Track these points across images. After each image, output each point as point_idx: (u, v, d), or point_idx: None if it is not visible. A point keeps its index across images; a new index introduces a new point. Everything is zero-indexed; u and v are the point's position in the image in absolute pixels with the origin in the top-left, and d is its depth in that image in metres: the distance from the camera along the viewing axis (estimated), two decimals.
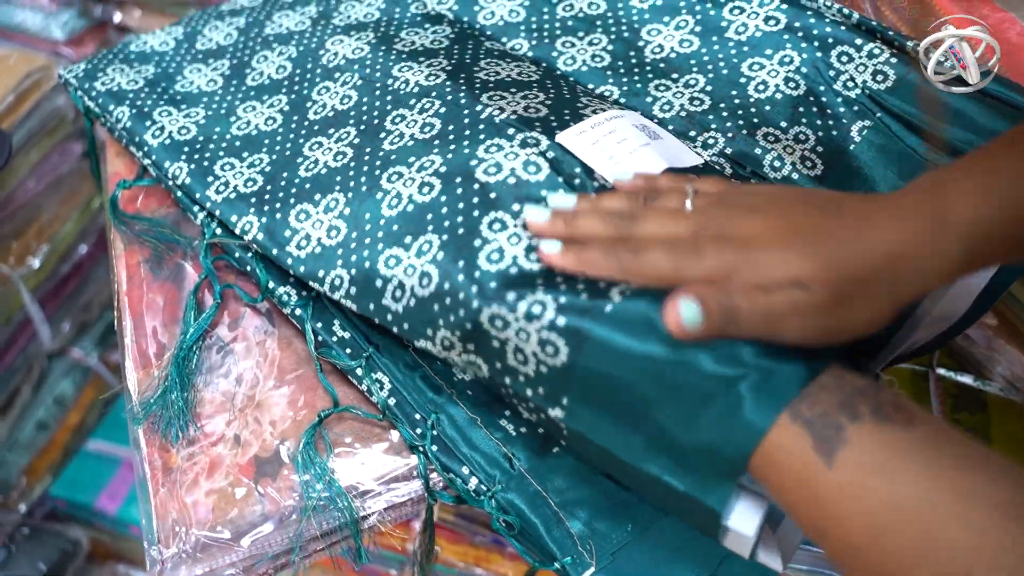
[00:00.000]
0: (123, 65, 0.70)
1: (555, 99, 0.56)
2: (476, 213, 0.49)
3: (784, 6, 0.61)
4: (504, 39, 0.66)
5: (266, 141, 0.62)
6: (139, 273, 0.62)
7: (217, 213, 0.59)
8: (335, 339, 0.55)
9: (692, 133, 0.58)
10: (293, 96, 0.64)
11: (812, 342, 0.39)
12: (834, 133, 0.56)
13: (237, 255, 0.59)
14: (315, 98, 0.63)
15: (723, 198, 0.44)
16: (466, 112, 0.55)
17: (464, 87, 0.57)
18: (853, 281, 0.38)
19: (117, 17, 1.01)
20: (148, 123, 0.64)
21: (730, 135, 0.57)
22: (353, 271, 0.52)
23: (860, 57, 0.58)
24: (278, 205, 0.57)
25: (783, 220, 0.41)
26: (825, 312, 0.39)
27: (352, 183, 0.56)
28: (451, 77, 0.58)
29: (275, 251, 0.55)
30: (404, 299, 0.49)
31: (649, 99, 0.60)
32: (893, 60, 0.57)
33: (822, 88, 0.58)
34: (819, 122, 0.57)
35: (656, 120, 0.59)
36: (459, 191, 0.50)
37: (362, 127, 0.59)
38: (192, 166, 0.61)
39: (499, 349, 0.45)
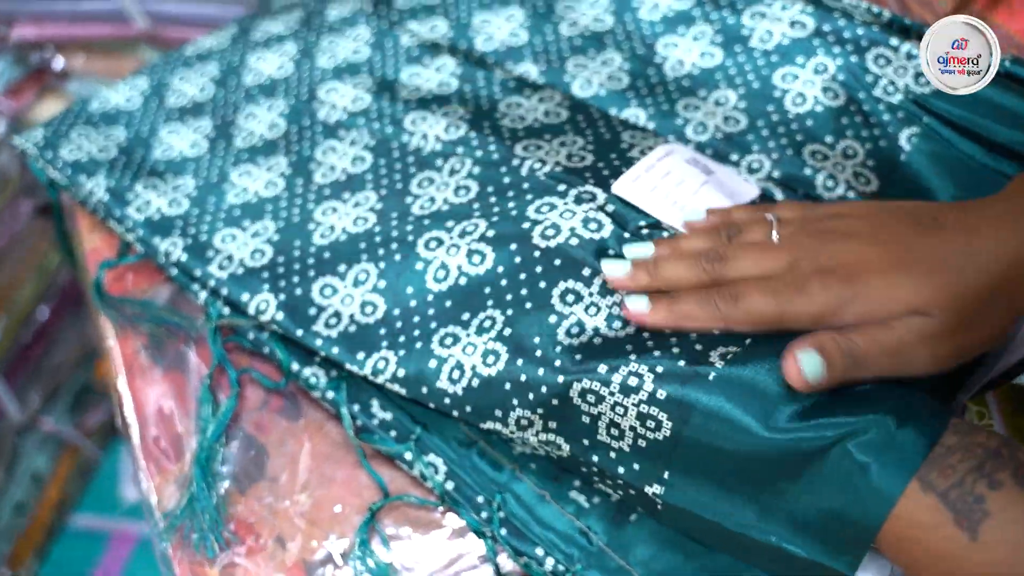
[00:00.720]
0: (87, 128, 0.64)
1: (595, 141, 0.51)
2: (543, 285, 0.44)
3: (809, 8, 0.57)
4: (510, 65, 0.61)
5: (269, 207, 0.56)
6: (139, 362, 0.56)
7: (224, 291, 0.53)
8: (376, 422, 0.50)
9: (734, 157, 0.54)
10: (294, 157, 0.59)
11: (944, 368, 0.37)
12: (882, 144, 0.53)
13: (252, 336, 0.53)
14: (320, 159, 0.58)
15: (809, 224, 0.41)
16: (503, 170, 0.50)
17: (492, 140, 0.52)
18: (974, 299, 0.36)
19: (59, 63, 0.93)
20: (129, 196, 0.58)
21: (775, 156, 0.53)
22: (401, 352, 0.47)
23: (898, 59, 0.54)
24: (295, 279, 0.52)
25: (883, 242, 0.38)
26: (951, 335, 0.37)
27: (382, 251, 0.50)
28: (474, 127, 0.54)
29: (299, 332, 0.50)
30: (465, 380, 0.45)
31: (680, 121, 0.56)
32: None
33: (862, 96, 0.54)
34: (864, 133, 0.53)
35: (692, 145, 0.55)
36: (517, 260, 0.46)
37: (383, 191, 0.54)
38: (188, 241, 0.55)
39: (589, 425, 0.41)
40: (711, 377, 0.38)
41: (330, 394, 0.50)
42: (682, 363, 0.39)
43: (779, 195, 0.51)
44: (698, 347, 0.39)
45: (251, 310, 0.52)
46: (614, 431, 0.40)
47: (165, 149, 0.62)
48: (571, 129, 0.53)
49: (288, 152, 0.59)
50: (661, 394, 0.38)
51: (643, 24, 0.62)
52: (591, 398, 0.40)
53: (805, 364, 0.36)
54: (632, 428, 0.39)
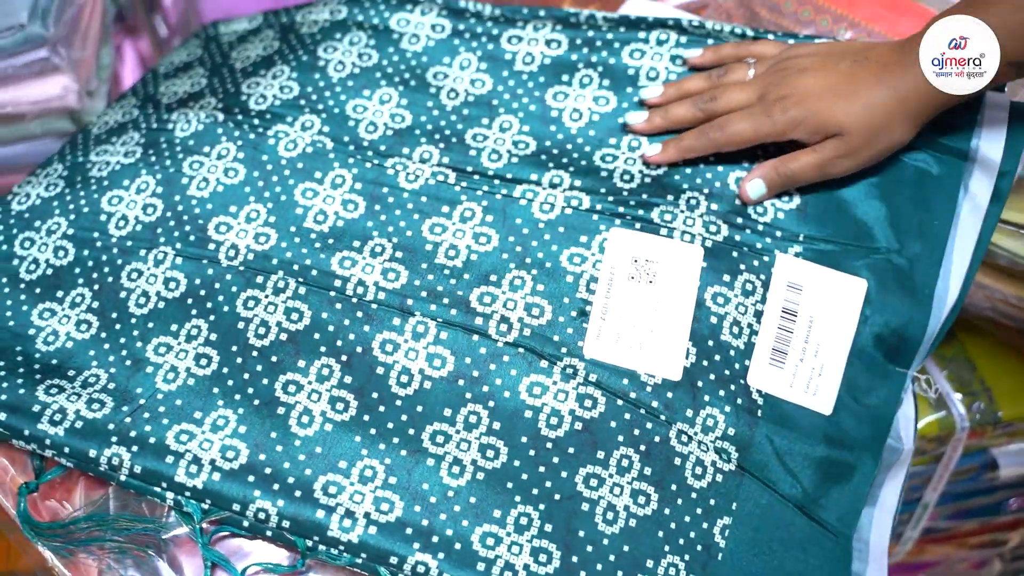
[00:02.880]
0: None
1: (540, 272, 0.53)
2: (565, 474, 0.47)
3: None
4: (406, 151, 0.58)
5: (215, 389, 0.50)
6: None
7: (205, 503, 0.47)
8: None
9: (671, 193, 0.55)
10: (213, 319, 0.52)
11: (855, 171, 0.53)
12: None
13: (247, 524, 0.47)
14: (244, 315, 0.52)
15: (776, 62, 0.55)
16: (476, 338, 0.51)
17: (442, 291, 0.52)
18: (881, 118, 0.50)
19: None
20: (35, 408, 0.49)
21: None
22: (441, 555, 0.46)
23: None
24: (290, 481, 0.47)
25: (826, 76, 0.51)
26: (860, 149, 0.51)
27: (383, 446, 0.48)
28: (417, 275, 0.53)
29: (315, 539, 0.46)
30: None
31: (604, 173, 0.56)
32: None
33: None
34: None
35: (622, 193, 0.55)
36: (531, 452, 0.48)
37: (343, 357, 0.51)
38: (135, 447, 0.48)
39: None
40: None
41: (360, 560, 0.47)
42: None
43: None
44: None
45: (249, 514, 0.47)
46: None
47: (47, 337, 0.53)
48: (512, 261, 0.53)
49: (205, 315, 0.53)
50: None
51: (524, 79, 0.61)
52: None
53: (750, 189, 0.54)
54: None
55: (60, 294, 0.55)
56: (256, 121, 0.60)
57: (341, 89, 0.62)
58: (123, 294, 0.54)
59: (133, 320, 0.53)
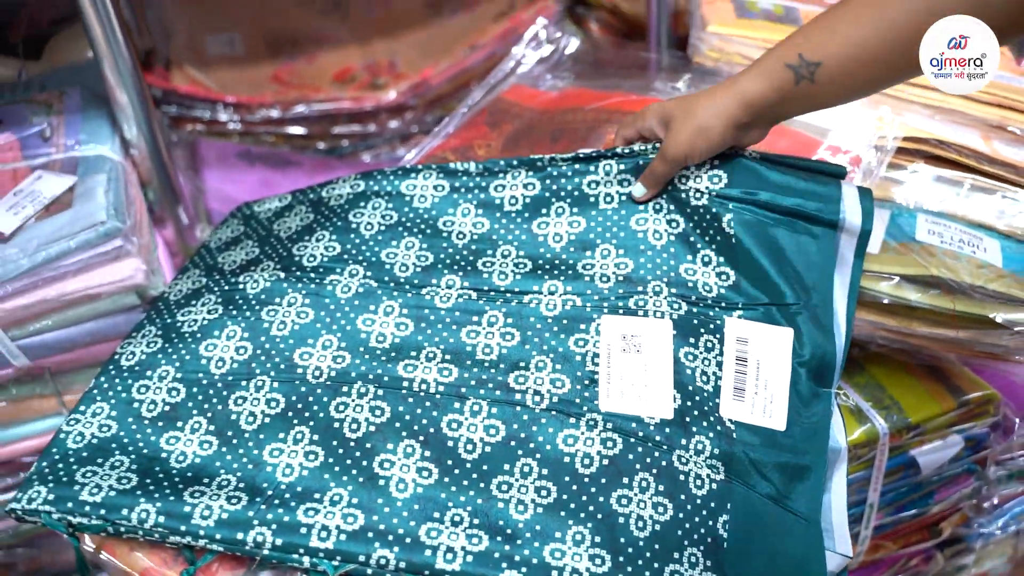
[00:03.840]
0: (88, 467, 0.66)
1: (555, 356, 0.71)
2: (602, 499, 0.65)
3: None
4: (435, 281, 0.76)
5: (326, 475, 0.66)
6: None
7: (336, 560, 0.62)
8: None
9: (638, 288, 0.73)
10: (312, 423, 0.69)
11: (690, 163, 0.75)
12: (719, 237, 0.75)
13: (371, 572, 0.62)
14: (338, 416, 0.69)
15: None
16: (518, 409, 0.69)
17: (486, 379, 0.70)
18: (707, 131, 0.71)
19: None
20: (186, 509, 0.63)
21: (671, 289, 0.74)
22: (524, 570, 0.61)
23: (693, 171, 0.77)
24: (400, 532, 0.63)
25: (684, 106, 0.73)
26: (693, 155, 0.73)
27: (463, 498, 0.65)
28: (465, 370, 0.71)
29: (426, 573, 0.62)
30: None
31: (587, 278, 0.74)
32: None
33: (688, 211, 0.76)
34: (707, 237, 0.75)
35: (600, 294, 0.73)
36: (574, 487, 0.65)
37: (421, 437, 0.68)
38: (274, 526, 0.62)
39: None
40: None
41: None
42: None
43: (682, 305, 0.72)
44: None
45: (372, 561, 0.62)
46: None
47: (179, 458, 0.67)
48: (541, 353, 0.72)
49: (304, 421, 0.68)
50: None
51: (512, 216, 0.79)
52: None
53: (635, 192, 0.76)
54: None
55: (180, 424, 0.70)
56: (312, 275, 0.77)
57: (374, 243, 0.79)
58: (234, 416, 0.69)
59: (246, 435, 0.68)
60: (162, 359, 0.73)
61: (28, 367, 0.84)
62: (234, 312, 0.75)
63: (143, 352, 0.74)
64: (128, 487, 0.65)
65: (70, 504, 0.64)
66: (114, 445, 0.68)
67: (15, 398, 0.87)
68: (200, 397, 0.71)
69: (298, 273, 0.77)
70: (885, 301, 0.80)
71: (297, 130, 1.28)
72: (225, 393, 0.71)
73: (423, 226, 0.81)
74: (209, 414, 0.70)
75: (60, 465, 0.67)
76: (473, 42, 1.33)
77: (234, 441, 0.68)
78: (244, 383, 0.71)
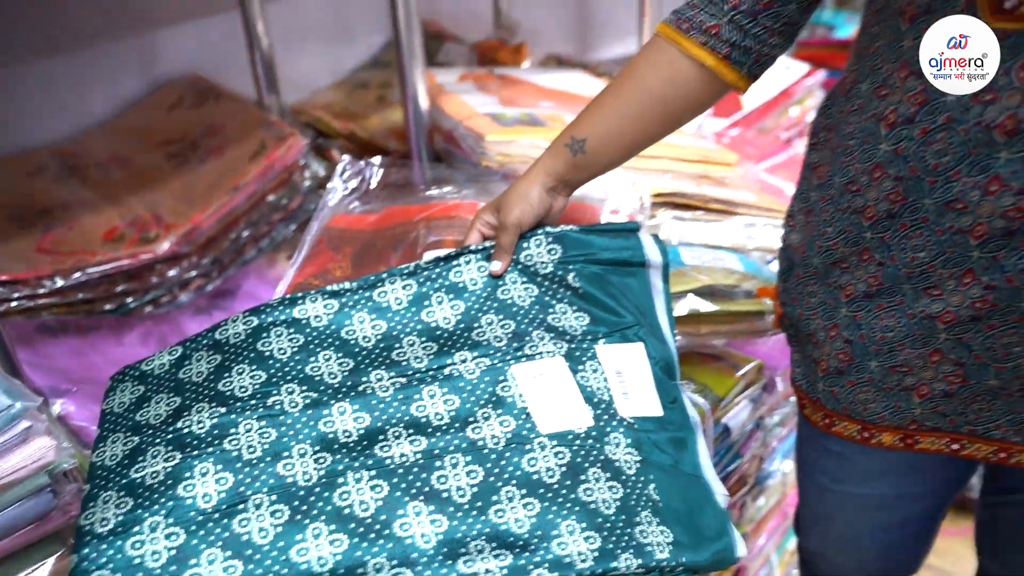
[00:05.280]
0: None
1: (493, 403, 0.88)
2: (573, 495, 0.82)
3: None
4: (365, 379, 0.89)
5: (356, 554, 0.77)
6: None
7: None
8: None
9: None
10: (326, 515, 0.79)
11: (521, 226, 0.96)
12: (570, 293, 0.97)
13: None
14: (343, 494, 0.80)
15: None
16: (482, 447, 0.85)
17: (451, 436, 0.86)
18: (517, 209, 0.94)
19: None
20: None
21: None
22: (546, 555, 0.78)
23: (536, 247, 0.99)
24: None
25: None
26: (519, 218, 0.94)
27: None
28: (428, 436, 0.85)
29: None
30: None
31: (485, 343, 0.93)
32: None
33: (539, 280, 0.98)
34: (559, 295, 0.98)
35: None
36: (550, 494, 0.82)
37: (415, 490, 0.82)
38: None
39: None
40: None
41: None
42: None
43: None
44: None
45: None
46: None
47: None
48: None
49: (316, 517, 0.78)
50: None
51: (403, 312, 0.96)
52: None
53: (492, 267, 0.96)
54: None
55: (193, 561, 0.75)
56: (253, 401, 0.86)
57: (294, 363, 0.90)
58: (245, 536, 0.76)
59: (266, 548, 0.76)
60: (144, 514, 0.78)
61: None
62: (195, 453, 0.82)
63: (116, 515, 0.78)
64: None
65: None
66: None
67: None
68: (202, 532, 0.77)
69: (239, 405, 0.86)
70: (684, 313, 1.09)
71: (82, 295, 1.27)
72: (226, 521, 0.77)
73: (330, 339, 0.93)
74: (219, 543, 0.76)
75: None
76: (235, 184, 1.39)
77: (256, 557, 0.75)
78: (241, 506, 0.78)
